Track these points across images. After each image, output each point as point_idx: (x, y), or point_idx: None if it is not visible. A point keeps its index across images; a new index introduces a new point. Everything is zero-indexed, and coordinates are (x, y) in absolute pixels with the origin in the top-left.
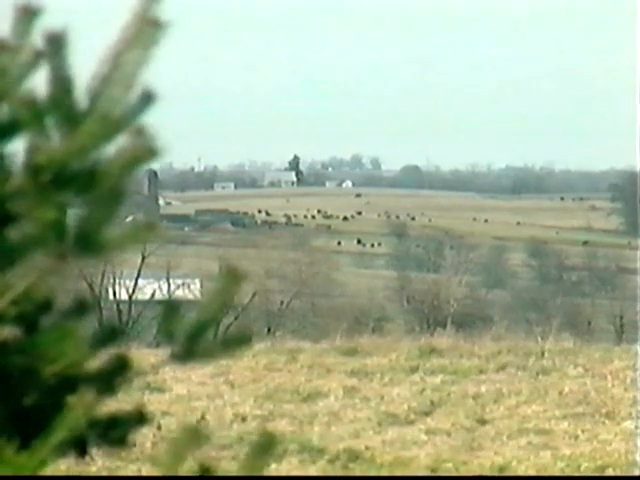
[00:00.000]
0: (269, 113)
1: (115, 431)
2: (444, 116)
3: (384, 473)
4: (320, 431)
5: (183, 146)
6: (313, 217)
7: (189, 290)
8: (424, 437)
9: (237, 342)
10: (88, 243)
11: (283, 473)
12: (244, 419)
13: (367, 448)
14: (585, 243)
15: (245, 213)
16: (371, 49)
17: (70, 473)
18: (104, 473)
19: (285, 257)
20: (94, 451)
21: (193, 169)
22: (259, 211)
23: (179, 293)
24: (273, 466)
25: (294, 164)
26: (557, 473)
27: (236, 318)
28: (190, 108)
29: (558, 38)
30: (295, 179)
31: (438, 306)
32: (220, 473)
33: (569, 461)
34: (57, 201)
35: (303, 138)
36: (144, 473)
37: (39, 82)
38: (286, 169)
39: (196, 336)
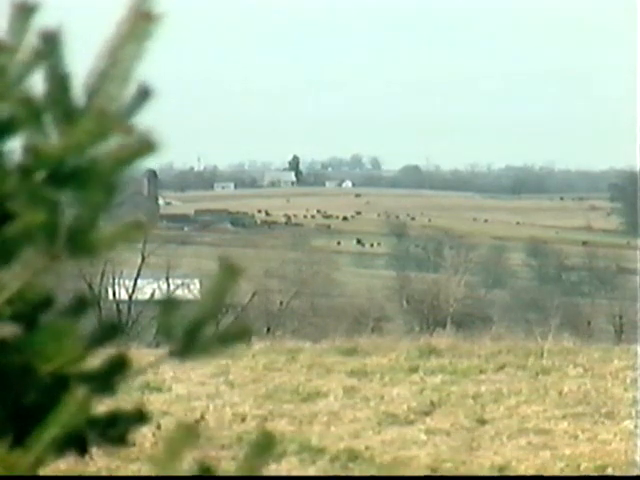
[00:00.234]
0: (269, 113)
1: (115, 430)
2: (444, 116)
3: (384, 473)
4: (320, 431)
5: (183, 146)
6: (313, 217)
7: (189, 290)
8: (424, 437)
9: (236, 337)
10: (80, 242)
11: (283, 473)
12: (244, 419)
13: (367, 448)
14: (585, 243)
15: (245, 213)
16: (371, 49)
17: (70, 473)
18: (104, 473)
19: (285, 257)
20: (94, 451)
21: (193, 169)
22: (259, 211)
23: (179, 293)
24: (273, 466)
25: (294, 164)
26: (557, 473)
27: (236, 318)
28: (190, 108)
29: (558, 38)
30: (295, 179)
31: (438, 306)
32: (220, 473)
33: (569, 461)
34: (51, 199)
35: (303, 138)
36: (144, 473)
37: (36, 80)
38: (286, 169)
39: (194, 332)
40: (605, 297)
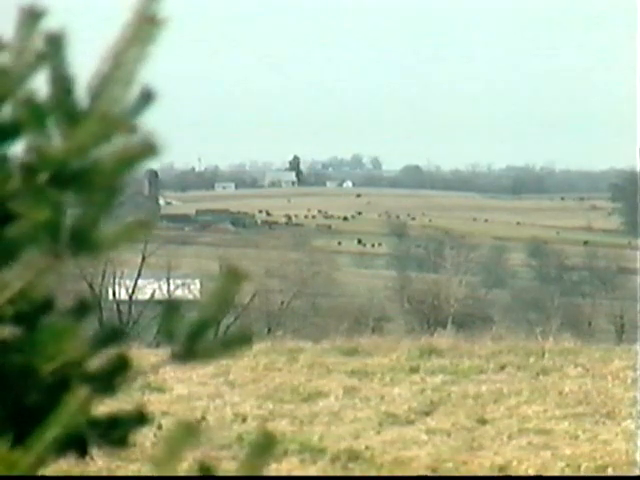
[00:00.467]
0: (269, 113)
1: (115, 431)
2: (444, 116)
3: (384, 473)
4: (320, 431)
5: (184, 146)
6: (313, 217)
7: (189, 290)
8: (424, 437)
9: (237, 342)
10: (83, 242)
11: (283, 473)
12: (244, 419)
13: (367, 448)
14: (585, 243)
15: (246, 213)
16: (371, 49)
17: (70, 473)
18: (104, 473)
19: (285, 257)
20: (94, 451)
21: (194, 169)
22: (259, 211)
23: (179, 293)
24: (273, 466)
25: (295, 164)
26: (557, 473)
27: (236, 318)
28: (191, 108)
29: (558, 37)
30: (296, 179)
31: (438, 306)
32: (220, 473)
33: (569, 461)
34: (54, 200)
35: (303, 138)
36: (144, 473)
37: (40, 82)
38: (287, 169)
39: (196, 336)
40: (606, 297)
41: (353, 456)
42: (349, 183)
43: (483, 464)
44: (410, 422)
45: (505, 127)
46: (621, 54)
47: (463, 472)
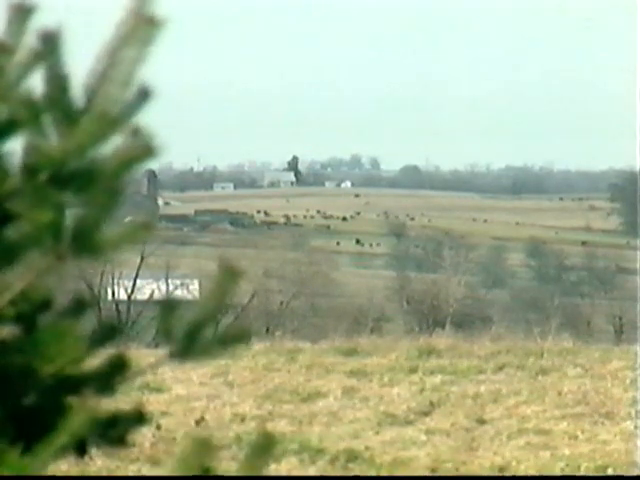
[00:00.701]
0: (268, 113)
1: (114, 431)
2: (444, 116)
3: (384, 473)
4: (319, 431)
5: (182, 146)
6: (312, 217)
7: (188, 290)
8: (423, 437)
9: (236, 339)
10: (85, 243)
11: (283, 473)
12: (243, 419)
13: (366, 448)
14: (584, 243)
15: (244, 213)
16: (371, 49)
17: (70, 473)
18: (103, 473)
19: (284, 257)
20: (94, 451)
21: (192, 169)
22: (258, 211)
23: (178, 293)
24: (273, 466)
25: (293, 164)
26: (557, 473)
27: (236, 318)
28: (190, 108)
29: (559, 38)
30: (294, 179)
31: (437, 306)
32: (220, 473)
33: (568, 461)
34: (54, 201)
35: (302, 138)
36: (144, 473)
37: (35, 81)
38: (285, 169)
39: (194, 334)
40: (605, 297)
41: (352, 456)
42: (348, 183)
43: (482, 464)
44: (409, 422)
45: (504, 127)
46: (621, 54)
47: (462, 472)
